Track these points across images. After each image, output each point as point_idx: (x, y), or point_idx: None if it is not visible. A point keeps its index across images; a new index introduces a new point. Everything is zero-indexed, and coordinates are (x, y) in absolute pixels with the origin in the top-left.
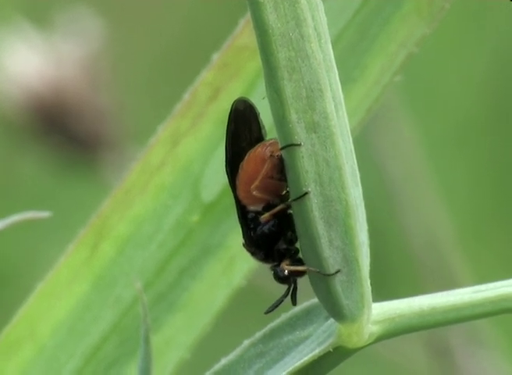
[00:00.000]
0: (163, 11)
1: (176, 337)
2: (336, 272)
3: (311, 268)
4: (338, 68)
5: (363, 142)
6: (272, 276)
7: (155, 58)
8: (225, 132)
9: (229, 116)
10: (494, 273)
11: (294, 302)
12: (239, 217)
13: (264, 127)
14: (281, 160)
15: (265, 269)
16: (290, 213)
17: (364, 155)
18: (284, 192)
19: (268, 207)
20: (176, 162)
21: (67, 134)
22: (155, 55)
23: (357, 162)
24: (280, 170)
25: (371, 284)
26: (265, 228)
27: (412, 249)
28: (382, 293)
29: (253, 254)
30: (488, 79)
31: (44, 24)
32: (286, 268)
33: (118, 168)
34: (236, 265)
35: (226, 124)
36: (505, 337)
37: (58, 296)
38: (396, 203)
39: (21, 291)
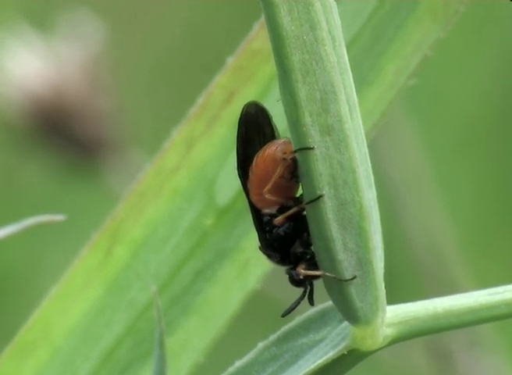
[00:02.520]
0: (164, 14)
1: (191, 340)
2: (353, 278)
3: (327, 273)
4: (353, 71)
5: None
6: (286, 280)
7: (156, 61)
8: (235, 136)
9: (240, 119)
10: (497, 279)
11: (311, 303)
12: (254, 220)
13: (277, 130)
14: (294, 162)
15: (280, 272)
16: (305, 215)
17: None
18: (297, 193)
19: (282, 209)
20: (191, 166)
21: (68, 137)
22: (156, 58)
23: None
24: (293, 172)
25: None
26: (280, 231)
27: (415, 256)
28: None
29: (269, 257)
30: (492, 84)
31: (44, 27)
32: (302, 272)
33: (119, 171)
34: (251, 268)
35: (237, 128)
36: (507, 343)
37: (73, 299)
38: (399, 209)
39: (27, 295)
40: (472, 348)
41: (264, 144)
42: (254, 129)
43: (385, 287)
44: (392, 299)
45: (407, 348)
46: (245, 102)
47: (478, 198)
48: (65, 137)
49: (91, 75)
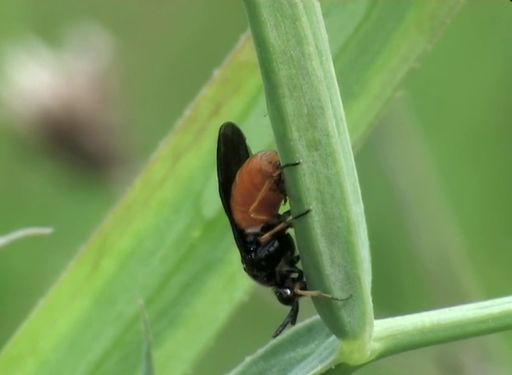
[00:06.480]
0: (172, 26)
1: (178, 353)
2: (348, 298)
3: (323, 294)
4: (339, 83)
5: (373, 157)
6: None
7: (164, 73)
8: (215, 157)
9: (218, 139)
10: (504, 288)
11: (293, 323)
12: (237, 241)
13: (250, 150)
14: (281, 177)
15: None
16: (289, 233)
17: (374, 170)
18: (280, 211)
19: (266, 227)
20: (178, 178)
21: (77, 150)
22: (164, 71)
23: (367, 176)
24: (279, 186)
25: (380, 300)
26: (266, 249)
27: (422, 264)
28: (391, 308)
29: (254, 277)
30: (498, 91)
31: (53, 40)
32: (300, 292)
33: (128, 183)
34: (238, 280)
35: (216, 148)
36: None
37: (60, 311)
38: (406, 218)
39: (26, 306)
40: (482, 360)
41: (240, 165)
42: (231, 149)
43: (391, 296)
44: (399, 308)
45: (415, 359)
46: (232, 115)
47: (485, 206)
48: (74, 149)
49: (100, 87)
